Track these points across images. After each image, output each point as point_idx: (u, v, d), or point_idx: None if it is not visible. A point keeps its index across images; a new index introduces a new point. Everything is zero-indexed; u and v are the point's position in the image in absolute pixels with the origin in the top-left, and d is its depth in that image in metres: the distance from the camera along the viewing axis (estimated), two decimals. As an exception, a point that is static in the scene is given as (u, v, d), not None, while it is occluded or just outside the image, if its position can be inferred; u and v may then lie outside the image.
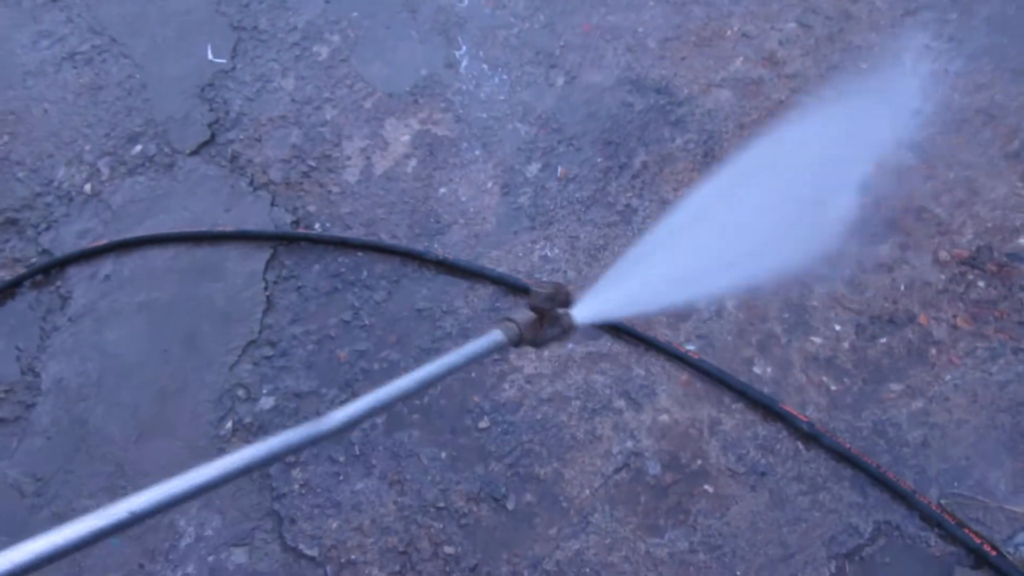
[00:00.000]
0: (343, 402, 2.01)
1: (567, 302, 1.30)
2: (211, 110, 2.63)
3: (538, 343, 1.30)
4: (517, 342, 1.25)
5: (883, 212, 2.07)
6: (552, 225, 2.22)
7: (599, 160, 2.30)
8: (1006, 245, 1.97)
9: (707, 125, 2.30)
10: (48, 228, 2.47)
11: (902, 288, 1.98)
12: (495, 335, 1.24)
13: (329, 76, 2.63)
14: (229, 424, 2.07)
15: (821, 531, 1.75)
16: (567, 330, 1.33)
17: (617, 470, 1.89)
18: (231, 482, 1.00)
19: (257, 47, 2.73)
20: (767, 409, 1.87)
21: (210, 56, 2.74)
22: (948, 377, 1.85)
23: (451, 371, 1.17)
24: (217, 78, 2.69)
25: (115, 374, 2.20)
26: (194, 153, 2.55)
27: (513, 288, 2.13)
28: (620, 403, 1.96)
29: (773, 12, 2.45)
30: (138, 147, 2.59)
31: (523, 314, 1.26)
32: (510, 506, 1.88)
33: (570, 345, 2.04)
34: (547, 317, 1.28)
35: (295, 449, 1.00)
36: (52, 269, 2.38)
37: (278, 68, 2.68)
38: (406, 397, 1.14)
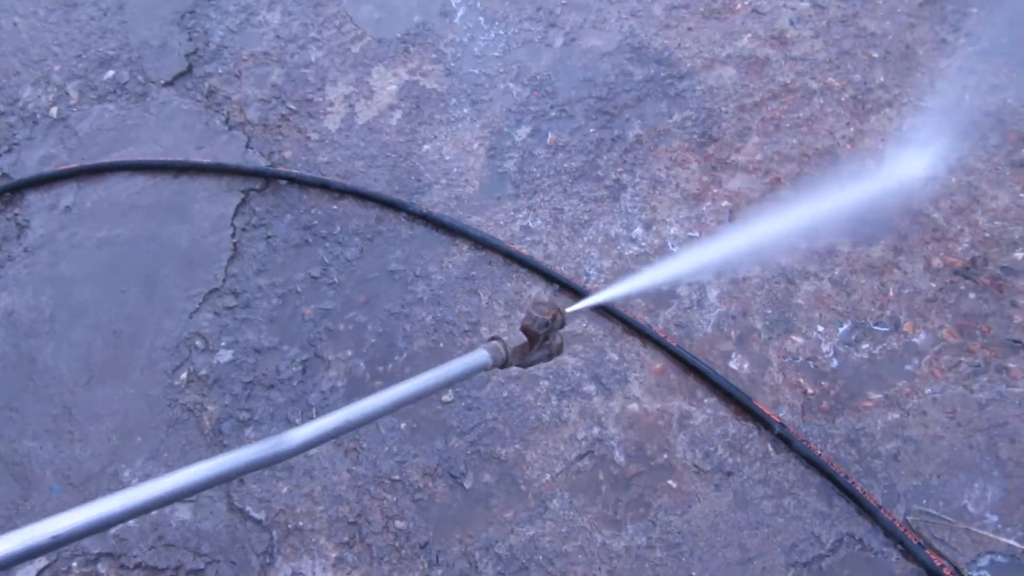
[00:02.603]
0: (304, 362, 1.94)
1: (562, 326, 1.23)
2: (190, 40, 2.49)
3: (524, 365, 1.24)
4: (503, 364, 1.18)
5: (877, 212, 1.99)
6: (537, 194, 2.13)
7: (591, 130, 2.20)
8: (1002, 258, 1.90)
9: (707, 103, 2.19)
10: (9, 151, 2.34)
11: (891, 293, 1.91)
12: (481, 355, 1.16)
13: (317, 14, 2.49)
14: (184, 375, 1.99)
15: (782, 537, 1.71)
16: (555, 352, 1.27)
17: (580, 456, 1.83)
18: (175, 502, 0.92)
19: (244, -24, 2.59)
20: (739, 406, 1.82)
21: (194, -19, 2.60)
22: (928, 390, 1.80)
23: (428, 392, 1.09)
24: (199, 5, 2.55)
25: (69, 311, 2.11)
26: (169, 84, 2.42)
27: (494, 250, 2.05)
28: (590, 387, 1.89)
29: (787, -12, 2.34)
30: (110, 72, 2.46)
31: (514, 335, 1.19)
32: (467, 485, 1.82)
33: (544, 322, 1.97)
34: (538, 340, 1.21)
35: (249, 470, 0.91)
36: (10, 193, 2.27)
37: (264, 0, 2.54)
38: (377, 418, 1.05)
